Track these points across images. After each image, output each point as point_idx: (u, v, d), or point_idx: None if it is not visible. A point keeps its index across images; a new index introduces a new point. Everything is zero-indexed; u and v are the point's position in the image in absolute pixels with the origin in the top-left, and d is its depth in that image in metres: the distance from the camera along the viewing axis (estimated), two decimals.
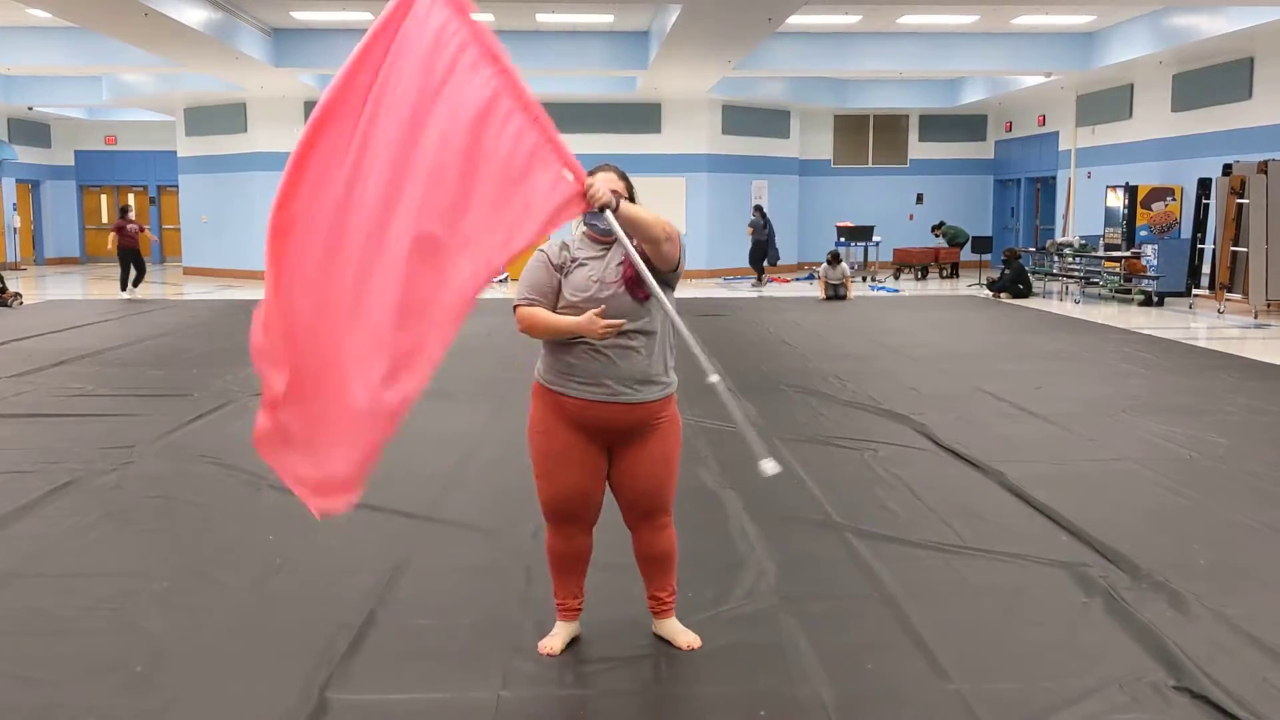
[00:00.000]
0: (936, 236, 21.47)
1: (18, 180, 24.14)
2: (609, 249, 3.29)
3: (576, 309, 3.22)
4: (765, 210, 19.70)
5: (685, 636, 3.48)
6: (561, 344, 3.26)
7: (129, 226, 16.89)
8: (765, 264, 19.35)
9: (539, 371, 3.35)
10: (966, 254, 21.55)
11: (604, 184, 3.08)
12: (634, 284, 3.20)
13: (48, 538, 4.64)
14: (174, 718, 3.06)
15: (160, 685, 3.24)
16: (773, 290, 18.37)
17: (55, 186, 25.90)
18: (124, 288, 16.72)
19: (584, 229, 3.34)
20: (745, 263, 20.40)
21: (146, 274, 17.57)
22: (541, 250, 3.34)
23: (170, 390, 8.22)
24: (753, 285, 19.13)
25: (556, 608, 3.51)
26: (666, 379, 3.32)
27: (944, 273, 21.39)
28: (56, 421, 7.10)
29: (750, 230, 19.47)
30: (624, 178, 3.33)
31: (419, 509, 5.05)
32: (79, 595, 3.96)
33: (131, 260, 16.78)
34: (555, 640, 3.46)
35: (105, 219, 26.53)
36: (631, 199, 3.29)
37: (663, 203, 20.32)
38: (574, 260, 3.29)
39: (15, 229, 23.82)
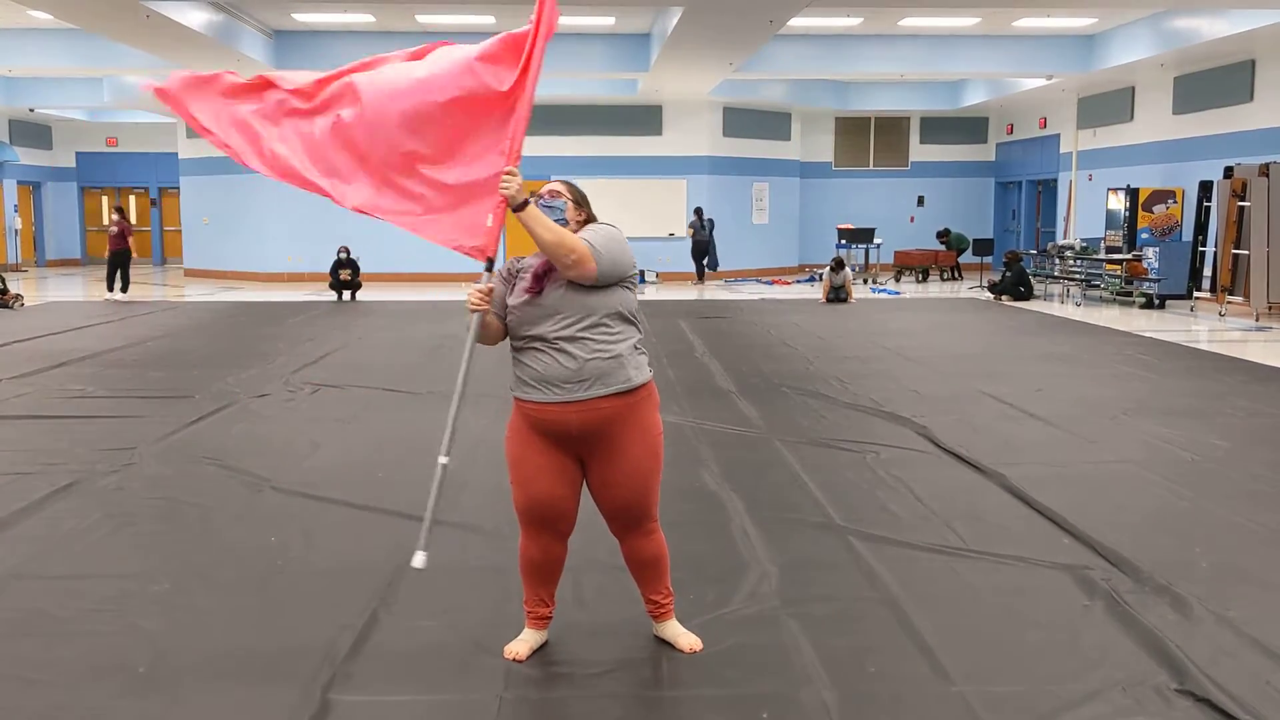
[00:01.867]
0: (942, 243, 21.52)
1: (19, 182, 24.16)
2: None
3: (516, 311, 3.25)
4: (704, 212, 19.93)
5: (687, 639, 3.47)
6: (516, 350, 3.29)
7: (126, 228, 16.90)
8: (705, 265, 19.65)
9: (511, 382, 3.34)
10: (967, 256, 21.56)
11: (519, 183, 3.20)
12: (539, 278, 3.23)
13: (49, 539, 4.64)
14: (175, 719, 3.06)
15: (162, 687, 3.24)
16: (774, 292, 18.37)
17: (56, 188, 25.92)
18: (111, 288, 16.67)
19: None
20: (746, 264, 20.42)
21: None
22: (503, 267, 3.38)
23: (171, 392, 8.22)
24: (692, 284, 19.57)
25: (526, 615, 3.48)
26: (623, 375, 3.21)
27: (945, 275, 21.37)
28: (58, 423, 7.10)
29: (690, 230, 19.66)
30: (571, 186, 3.40)
31: (420, 510, 5.02)
32: (81, 597, 3.96)
33: (123, 263, 16.77)
34: (521, 646, 3.42)
35: (106, 221, 26.54)
36: (579, 204, 3.35)
37: (663, 205, 20.38)
38: (520, 267, 3.33)
39: (16, 230, 23.83)
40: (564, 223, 3.29)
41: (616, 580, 3.89)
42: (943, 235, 21.53)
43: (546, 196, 3.35)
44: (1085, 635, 3.61)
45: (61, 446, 6.36)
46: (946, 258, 21.38)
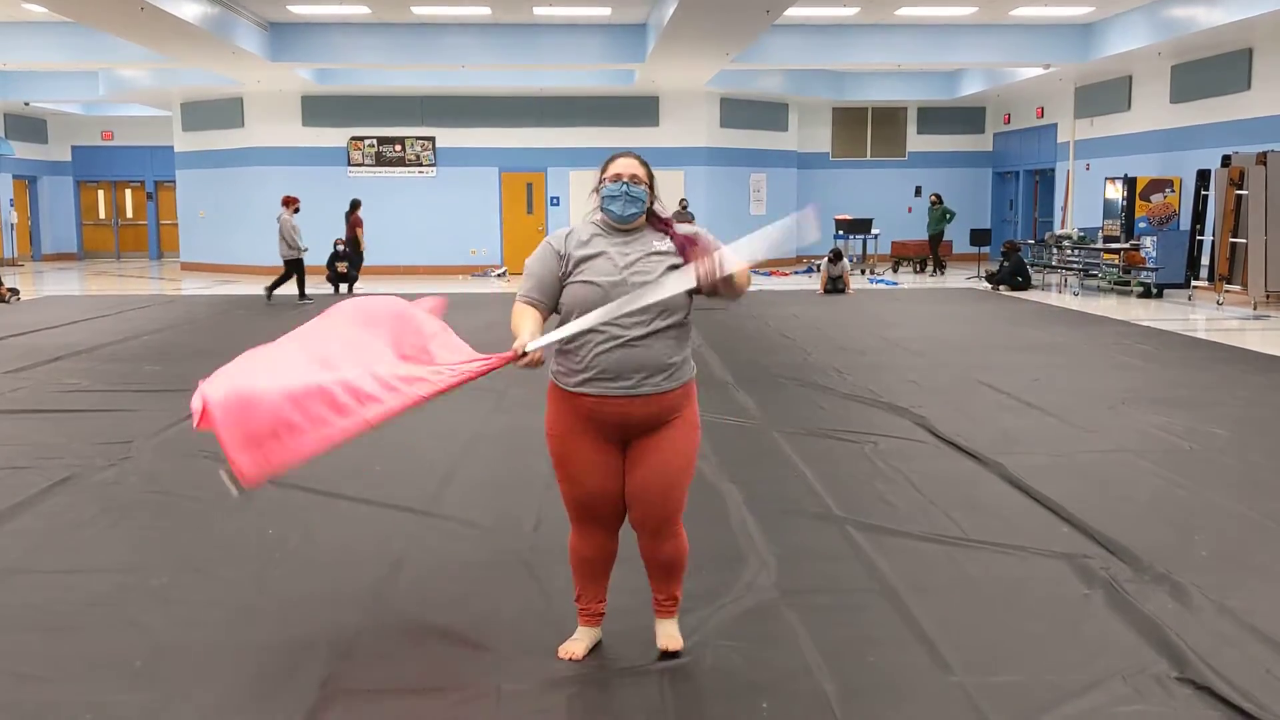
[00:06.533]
0: (934, 204, 21.24)
1: (14, 176, 24.09)
2: (631, 236, 3.18)
3: (598, 288, 3.08)
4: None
5: (664, 638, 3.37)
6: (574, 340, 3.10)
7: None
8: None
9: (553, 372, 3.21)
10: (964, 247, 21.49)
11: (718, 262, 3.01)
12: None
13: (46, 533, 4.63)
14: (173, 714, 3.05)
15: (159, 681, 3.23)
16: (772, 284, 18.35)
17: (52, 182, 25.85)
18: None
19: (600, 215, 3.21)
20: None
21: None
22: (548, 241, 3.22)
23: (168, 385, 8.19)
24: None
25: (579, 611, 3.39)
26: (685, 369, 3.20)
27: (935, 268, 21.18)
28: (54, 417, 7.09)
29: None
30: (644, 164, 3.24)
31: (418, 504, 5.04)
32: (77, 591, 3.95)
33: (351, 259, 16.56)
34: (578, 645, 3.35)
35: (102, 214, 26.50)
36: (651, 188, 3.22)
37: (661, 196, 20.31)
38: (586, 248, 3.15)
39: (12, 225, 23.77)
40: (640, 214, 3.19)
41: (615, 572, 3.87)
42: (935, 201, 21.15)
43: (628, 180, 3.14)
44: (1085, 624, 3.60)
45: (58, 441, 6.34)
46: (941, 248, 21.24)
